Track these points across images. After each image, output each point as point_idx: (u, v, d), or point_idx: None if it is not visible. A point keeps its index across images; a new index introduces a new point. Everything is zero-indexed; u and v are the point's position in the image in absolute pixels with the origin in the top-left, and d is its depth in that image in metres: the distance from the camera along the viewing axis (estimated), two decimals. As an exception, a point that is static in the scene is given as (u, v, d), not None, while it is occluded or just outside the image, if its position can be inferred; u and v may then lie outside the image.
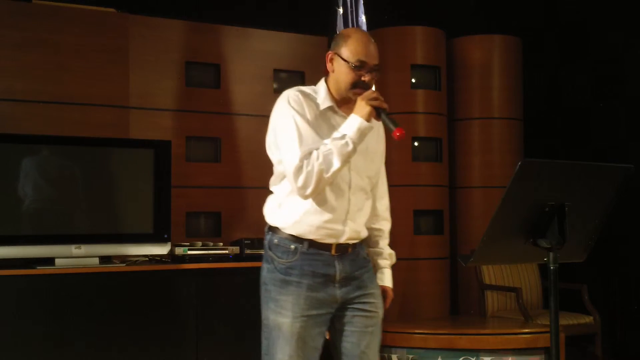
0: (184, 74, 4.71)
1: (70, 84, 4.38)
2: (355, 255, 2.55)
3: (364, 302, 2.54)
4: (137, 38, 4.58)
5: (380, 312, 2.60)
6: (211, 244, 4.27)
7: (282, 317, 2.46)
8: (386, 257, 2.73)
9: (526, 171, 2.19)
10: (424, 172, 5.22)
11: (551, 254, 2.30)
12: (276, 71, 4.98)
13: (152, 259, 4.20)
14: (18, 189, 3.84)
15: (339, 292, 2.49)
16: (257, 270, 4.15)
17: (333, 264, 2.49)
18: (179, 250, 4.12)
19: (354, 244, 2.54)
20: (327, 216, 2.45)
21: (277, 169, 2.54)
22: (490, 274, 5.27)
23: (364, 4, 4.40)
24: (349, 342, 2.54)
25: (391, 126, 2.35)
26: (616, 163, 2.37)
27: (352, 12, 4.39)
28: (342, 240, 2.49)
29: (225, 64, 4.83)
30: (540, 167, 2.27)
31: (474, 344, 4.32)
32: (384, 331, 4.34)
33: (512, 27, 5.70)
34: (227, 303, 4.13)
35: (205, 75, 4.82)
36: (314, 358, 2.49)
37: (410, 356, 4.35)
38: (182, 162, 4.61)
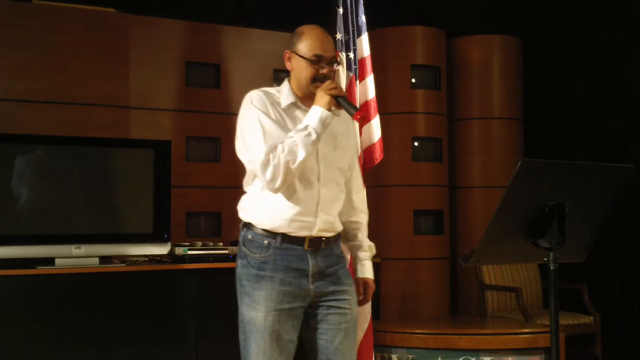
0: (184, 74, 4.71)
1: (70, 84, 4.38)
2: (329, 252, 2.59)
3: (338, 299, 2.57)
4: (137, 38, 4.59)
5: (355, 309, 2.64)
6: (211, 244, 4.26)
7: (256, 311, 2.50)
8: (366, 249, 2.78)
9: (526, 171, 2.19)
10: (424, 172, 5.22)
11: (551, 254, 2.30)
12: (276, 71, 4.97)
13: (152, 259, 4.20)
14: (12, 189, 3.82)
15: (312, 287, 2.53)
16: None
17: (306, 259, 2.53)
18: (179, 250, 4.11)
19: (327, 239, 2.57)
20: (298, 208, 2.50)
21: (248, 168, 2.63)
22: (490, 274, 5.26)
23: (364, 4, 4.38)
24: (323, 339, 2.57)
25: (351, 110, 2.47)
26: (616, 163, 2.37)
27: (352, 12, 4.37)
28: (315, 232, 2.53)
29: (225, 64, 4.83)
30: (540, 167, 2.27)
31: (474, 344, 4.32)
32: (384, 331, 4.40)
33: (512, 27, 5.70)
34: (227, 303, 4.08)
35: (205, 75, 4.83)
36: (289, 351, 2.53)
37: (410, 356, 4.35)
38: (182, 162, 4.61)
